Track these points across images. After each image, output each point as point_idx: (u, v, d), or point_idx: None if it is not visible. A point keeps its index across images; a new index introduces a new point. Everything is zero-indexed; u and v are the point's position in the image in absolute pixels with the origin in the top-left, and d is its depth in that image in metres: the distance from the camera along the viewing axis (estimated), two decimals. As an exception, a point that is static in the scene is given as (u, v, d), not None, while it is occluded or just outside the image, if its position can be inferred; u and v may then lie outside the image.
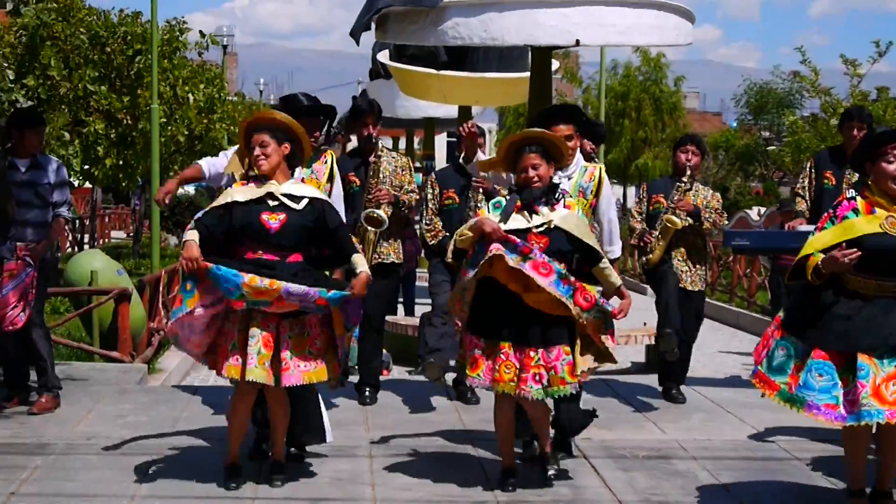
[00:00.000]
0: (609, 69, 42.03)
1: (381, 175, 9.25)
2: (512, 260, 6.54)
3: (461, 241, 6.80)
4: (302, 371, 6.66)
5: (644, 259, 9.77)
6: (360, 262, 6.88)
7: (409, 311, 16.06)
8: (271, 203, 6.78)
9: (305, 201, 6.84)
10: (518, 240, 6.61)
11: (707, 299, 21.97)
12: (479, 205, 8.64)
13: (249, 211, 6.74)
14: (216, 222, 6.76)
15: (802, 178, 10.21)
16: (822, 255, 6.16)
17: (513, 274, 6.60)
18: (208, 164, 7.54)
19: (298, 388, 6.86)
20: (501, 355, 6.62)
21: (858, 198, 6.33)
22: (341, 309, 6.73)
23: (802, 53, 23.06)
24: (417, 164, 27.97)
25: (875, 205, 6.25)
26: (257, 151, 6.83)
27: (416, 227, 10.10)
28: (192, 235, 6.68)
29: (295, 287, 6.51)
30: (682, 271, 9.69)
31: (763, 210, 30.36)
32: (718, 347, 16.91)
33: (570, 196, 7.22)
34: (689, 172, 9.73)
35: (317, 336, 6.75)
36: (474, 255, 6.72)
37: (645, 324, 14.03)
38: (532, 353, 6.61)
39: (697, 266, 9.81)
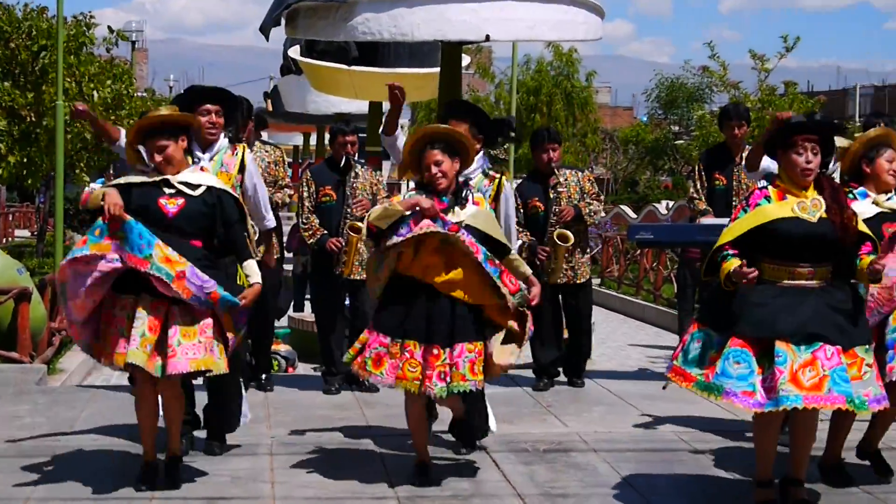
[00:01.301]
0: (521, 64, 42.12)
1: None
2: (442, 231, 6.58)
3: (384, 215, 6.72)
4: (189, 359, 6.47)
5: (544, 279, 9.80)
6: (254, 273, 6.73)
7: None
8: (168, 190, 6.65)
9: (203, 188, 6.71)
10: (447, 217, 6.66)
11: (613, 293, 22.32)
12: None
13: (146, 193, 6.60)
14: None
15: (694, 182, 10.37)
16: (736, 262, 6.22)
17: (434, 256, 6.65)
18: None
19: (222, 377, 6.86)
20: (406, 354, 6.60)
21: (770, 187, 6.42)
22: (229, 312, 6.64)
23: (711, 48, 23.30)
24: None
25: (786, 192, 6.35)
26: (158, 158, 6.67)
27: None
28: (111, 189, 6.53)
29: (200, 272, 6.42)
30: (566, 268, 9.79)
31: (672, 204, 30.60)
32: (625, 341, 17.05)
33: (477, 191, 7.24)
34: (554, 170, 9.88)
35: (207, 326, 6.55)
36: (397, 228, 6.67)
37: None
38: (436, 351, 6.61)
39: (582, 256, 9.91)
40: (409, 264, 6.68)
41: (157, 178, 6.67)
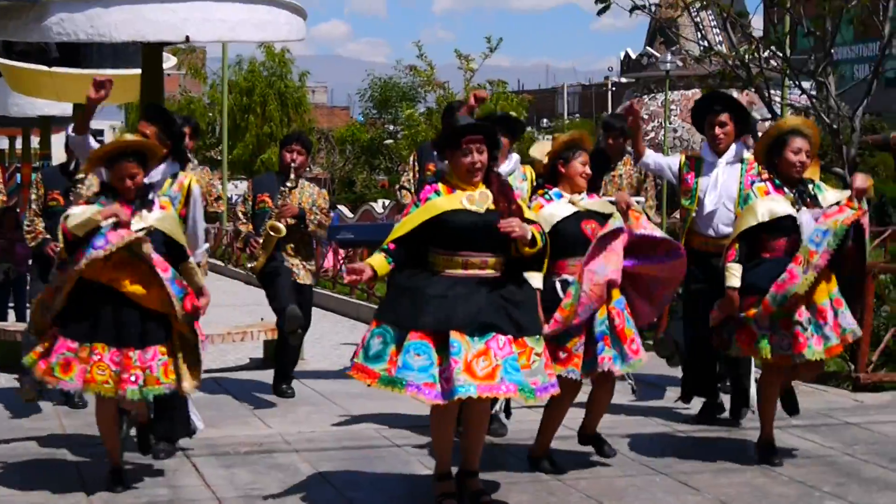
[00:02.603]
0: (234, 65, 41.98)
1: None
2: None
3: (84, 224, 6.62)
4: None
5: (250, 265, 9.87)
6: None
7: (20, 317, 15.52)
8: None
9: None
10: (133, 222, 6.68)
11: (329, 293, 22.35)
12: None
13: None
14: None
15: (407, 172, 10.54)
16: (378, 257, 6.44)
17: (124, 269, 6.61)
18: None
19: None
20: (95, 356, 6.56)
21: (440, 183, 6.59)
22: None
23: (419, 48, 23.72)
24: (35, 164, 27.10)
25: (455, 187, 6.53)
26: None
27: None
28: None
29: None
30: (292, 264, 9.83)
31: (388, 202, 30.95)
32: (339, 340, 17.11)
33: (164, 195, 7.28)
34: (293, 173, 9.85)
35: None
36: (92, 238, 6.60)
37: (262, 319, 14.06)
38: (131, 354, 6.60)
39: (306, 261, 9.97)
40: (98, 270, 6.60)
41: None
